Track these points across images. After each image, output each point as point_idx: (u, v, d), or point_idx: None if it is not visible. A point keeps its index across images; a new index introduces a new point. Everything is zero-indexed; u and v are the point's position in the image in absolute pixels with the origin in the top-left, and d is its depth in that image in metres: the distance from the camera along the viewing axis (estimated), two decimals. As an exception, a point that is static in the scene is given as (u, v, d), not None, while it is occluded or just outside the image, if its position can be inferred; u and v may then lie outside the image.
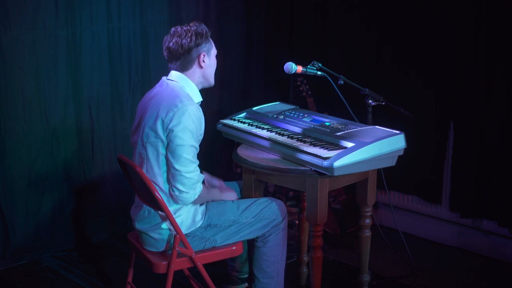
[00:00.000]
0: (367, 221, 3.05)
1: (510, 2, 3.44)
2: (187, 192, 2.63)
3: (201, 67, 2.75)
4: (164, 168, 2.67)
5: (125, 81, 4.04)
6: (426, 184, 3.99)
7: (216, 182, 3.02)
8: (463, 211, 3.82)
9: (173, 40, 2.69)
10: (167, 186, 2.68)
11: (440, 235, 4.00)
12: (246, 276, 3.23)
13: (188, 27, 2.71)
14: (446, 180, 3.89)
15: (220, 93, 4.57)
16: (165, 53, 2.75)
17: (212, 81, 2.84)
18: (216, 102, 4.53)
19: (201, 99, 2.78)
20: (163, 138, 2.62)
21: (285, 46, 4.73)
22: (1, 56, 3.51)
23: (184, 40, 2.67)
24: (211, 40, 2.77)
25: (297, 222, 3.82)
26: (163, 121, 2.60)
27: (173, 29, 2.74)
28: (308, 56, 4.29)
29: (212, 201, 2.84)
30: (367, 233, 3.07)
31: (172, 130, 2.58)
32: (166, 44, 2.72)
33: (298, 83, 4.11)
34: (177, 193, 2.64)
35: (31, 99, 3.67)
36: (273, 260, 2.88)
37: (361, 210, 3.04)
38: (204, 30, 2.72)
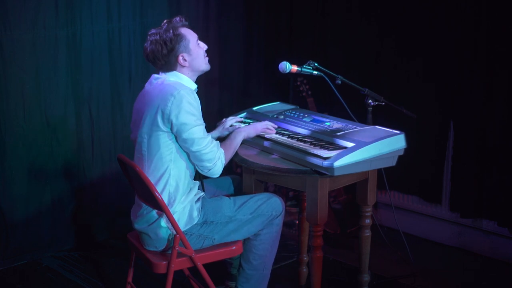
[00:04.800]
0: (367, 221, 3.05)
1: (510, 1, 3.44)
2: (214, 164, 2.72)
3: (183, 65, 2.75)
4: (169, 158, 2.68)
5: (125, 81, 4.04)
6: (426, 184, 3.99)
7: (224, 130, 3.08)
8: (463, 211, 3.82)
9: (148, 50, 2.73)
10: (172, 180, 2.69)
11: (440, 235, 4.00)
12: None
13: (157, 36, 2.70)
14: (446, 180, 3.89)
15: (220, 93, 4.57)
16: (148, 62, 2.79)
17: (204, 67, 2.83)
18: (216, 102, 4.54)
19: (196, 86, 2.80)
20: (166, 129, 2.65)
21: (285, 46, 4.73)
22: (1, 56, 3.52)
23: (156, 52, 2.70)
24: (183, 35, 2.72)
25: (297, 222, 3.82)
26: (163, 113, 2.62)
27: (148, 34, 2.74)
28: (308, 56, 4.29)
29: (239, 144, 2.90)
30: (367, 233, 3.07)
31: (177, 119, 2.61)
32: (146, 54, 2.75)
33: (298, 83, 4.11)
34: (206, 170, 2.73)
35: (31, 99, 3.67)
36: (261, 254, 2.87)
37: (361, 210, 3.04)
38: (171, 33, 2.69)
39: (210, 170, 2.73)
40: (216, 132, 3.11)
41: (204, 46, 2.82)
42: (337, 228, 4.09)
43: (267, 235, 2.86)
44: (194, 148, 2.67)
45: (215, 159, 2.72)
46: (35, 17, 3.60)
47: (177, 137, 2.67)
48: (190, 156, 2.72)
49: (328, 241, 3.89)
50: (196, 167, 2.75)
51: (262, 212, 2.82)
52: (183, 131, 2.64)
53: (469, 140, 3.73)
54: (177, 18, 2.77)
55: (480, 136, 3.67)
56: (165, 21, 2.76)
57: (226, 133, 3.06)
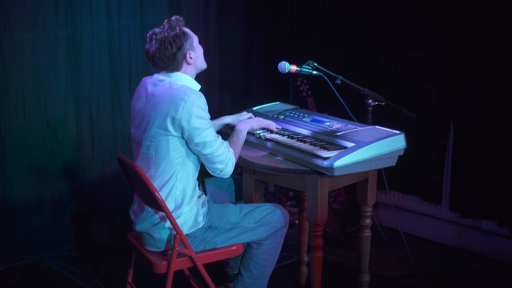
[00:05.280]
0: (367, 221, 3.05)
1: (510, 1, 3.44)
2: (226, 165, 2.73)
3: (189, 63, 2.75)
4: (177, 161, 2.68)
5: (125, 81, 4.04)
6: (426, 184, 3.99)
7: (229, 120, 3.10)
8: (463, 211, 3.82)
9: (152, 51, 2.69)
10: (178, 183, 2.69)
11: (440, 235, 4.00)
12: None
13: (164, 35, 2.67)
14: (446, 180, 3.89)
15: (220, 93, 4.57)
16: (150, 63, 2.75)
17: (204, 66, 2.84)
18: (216, 102, 4.53)
19: (200, 86, 2.80)
20: (177, 134, 2.64)
21: (285, 46, 4.73)
22: (1, 56, 3.52)
23: (163, 50, 2.67)
24: (188, 33, 2.73)
25: (297, 222, 3.82)
26: (173, 118, 2.61)
27: (149, 35, 2.71)
28: (308, 56, 4.29)
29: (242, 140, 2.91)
30: (367, 233, 3.07)
31: (188, 124, 2.61)
32: (150, 55, 2.71)
33: (298, 83, 4.10)
34: (218, 172, 2.74)
35: (31, 99, 3.67)
36: (262, 264, 2.88)
37: (361, 210, 3.04)
38: (178, 31, 2.68)
39: (222, 171, 2.74)
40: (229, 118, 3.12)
41: (201, 47, 2.83)
42: (337, 228, 4.09)
43: (270, 245, 2.86)
44: (207, 151, 2.68)
45: (227, 160, 2.72)
46: (35, 17, 3.60)
47: (189, 141, 2.67)
48: (202, 158, 2.73)
49: (328, 241, 3.90)
50: (207, 169, 2.76)
51: (267, 222, 2.83)
52: (195, 135, 2.64)
53: (469, 140, 3.73)
54: (174, 18, 2.75)
55: (480, 136, 3.67)
56: (165, 21, 2.75)
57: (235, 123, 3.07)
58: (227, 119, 3.10)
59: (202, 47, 2.83)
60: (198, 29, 4.34)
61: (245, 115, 3.15)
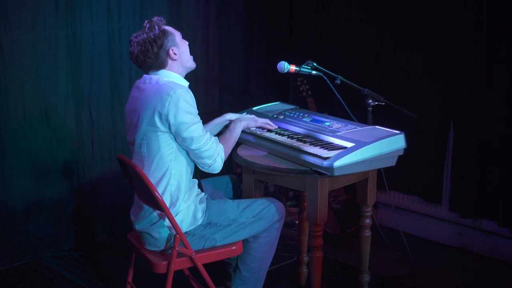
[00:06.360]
0: (367, 221, 3.05)
1: (510, 1, 3.44)
2: (214, 160, 2.73)
3: (174, 59, 2.76)
4: (169, 157, 2.69)
5: (125, 81, 4.04)
6: (426, 184, 3.98)
7: (232, 117, 3.08)
8: (463, 211, 3.82)
9: (136, 52, 2.72)
10: (173, 180, 2.70)
11: (440, 235, 4.00)
12: None
13: (144, 36, 2.70)
14: (446, 180, 3.89)
15: (220, 93, 4.57)
16: (136, 65, 2.78)
17: (190, 64, 2.83)
18: (216, 102, 4.54)
19: (188, 83, 2.81)
20: (165, 129, 2.65)
21: (285, 46, 4.73)
22: (1, 56, 3.52)
23: (146, 51, 2.70)
24: (169, 30, 2.75)
25: (297, 222, 3.82)
26: (160, 114, 2.62)
27: (131, 39, 2.73)
28: (308, 56, 4.30)
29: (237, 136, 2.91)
30: (367, 233, 3.07)
31: (175, 119, 2.62)
32: (134, 57, 2.74)
33: (298, 83, 4.10)
34: (206, 167, 2.75)
35: (31, 99, 3.67)
36: (259, 257, 2.89)
37: (361, 210, 3.04)
38: (157, 30, 2.70)
39: (210, 166, 2.74)
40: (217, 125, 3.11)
41: (186, 42, 2.83)
42: (337, 228, 4.09)
43: (267, 238, 2.87)
44: (194, 146, 2.68)
45: (215, 155, 2.73)
46: (35, 17, 3.60)
47: (176, 136, 2.68)
48: (190, 154, 2.73)
49: (328, 241, 3.89)
50: (197, 164, 2.77)
51: (264, 216, 2.83)
52: (182, 130, 2.64)
53: (469, 140, 3.73)
54: (156, 18, 2.78)
55: (480, 136, 3.67)
56: (146, 21, 2.76)
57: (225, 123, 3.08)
58: (231, 116, 3.10)
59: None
60: (198, 29, 4.34)
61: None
